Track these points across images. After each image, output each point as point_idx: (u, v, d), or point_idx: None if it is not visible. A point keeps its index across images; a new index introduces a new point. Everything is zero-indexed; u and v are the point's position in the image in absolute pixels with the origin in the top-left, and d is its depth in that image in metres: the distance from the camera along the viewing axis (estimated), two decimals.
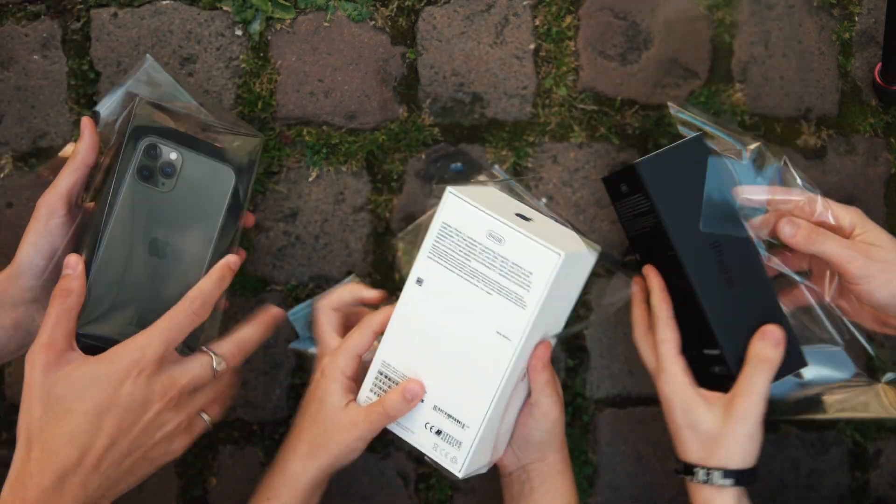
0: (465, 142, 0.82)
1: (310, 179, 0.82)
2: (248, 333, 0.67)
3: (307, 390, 0.70)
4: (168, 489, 0.82)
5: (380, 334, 0.68)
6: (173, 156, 0.66)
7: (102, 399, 0.58)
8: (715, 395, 0.69)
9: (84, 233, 0.67)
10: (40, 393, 0.58)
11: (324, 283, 0.82)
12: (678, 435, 0.69)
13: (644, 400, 0.84)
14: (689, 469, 0.68)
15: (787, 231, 0.68)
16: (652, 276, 0.72)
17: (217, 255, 0.67)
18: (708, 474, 0.67)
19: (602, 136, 0.83)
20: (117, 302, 0.64)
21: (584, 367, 0.84)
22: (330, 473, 0.68)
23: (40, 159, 0.80)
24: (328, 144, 0.81)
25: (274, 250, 0.82)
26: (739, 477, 0.66)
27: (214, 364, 0.63)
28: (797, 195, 0.69)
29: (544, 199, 0.83)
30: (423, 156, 0.82)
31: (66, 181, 0.66)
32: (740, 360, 0.69)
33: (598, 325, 0.84)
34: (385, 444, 0.83)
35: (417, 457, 0.83)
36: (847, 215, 0.68)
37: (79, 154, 0.66)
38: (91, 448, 0.57)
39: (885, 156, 0.85)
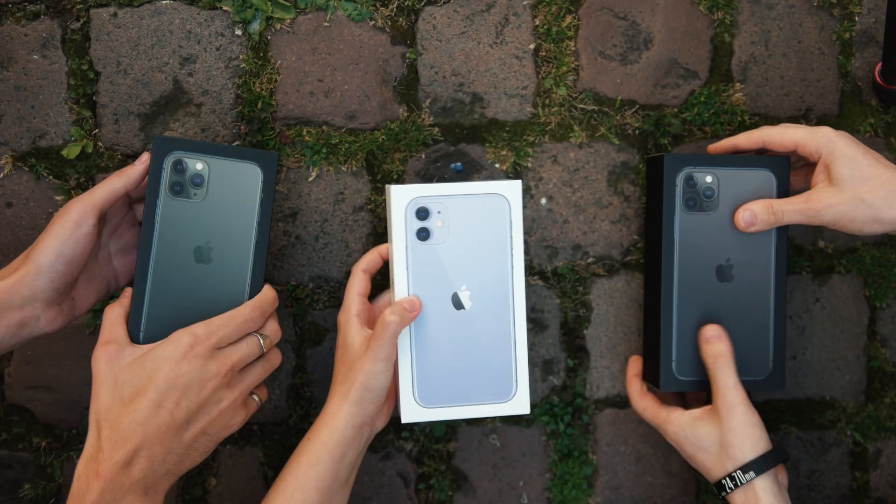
0: (465, 142, 0.82)
1: (310, 179, 0.81)
2: (276, 317, 0.72)
3: (336, 353, 0.74)
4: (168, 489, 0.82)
5: (367, 272, 0.74)
6: (199, 166, 0.70)
7: (163, 379, 0.63)
8: (704, 410, 0.72)
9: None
10: (106, 380, 0.64)
11: (323, 283, 0.82)
12: (697, 462, 0.72)
13: None
14: (720, 487, 0.70)
15: (745, 219, 0.73)
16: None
17: (259, 250, 0.71)
18: (733, 479, 0.69)
19: (602, 136, 0.83)
20: (175, 313, 0.69)
21: (584, 367, 0.84)
22: (366, 414, 0.70)
23: (40, 159, 0.80)
24: (328, 144, 0.81)
25: (274, 250, 0.82)
26: (758, 465, 0.69)
27: (261, 342, 0.69)
28: (755, 138, 0.74)
29: (544, 199, 0.83)
30: (423, 156, 0.82)
31: (102, 195, 0.68)
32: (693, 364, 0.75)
33: (598, 325, 0.84)
34: (385, 444, 0.83)
35: (417, 457, 0.84)
36: (813, 141, 0.71)
37: (125, 176, 0.69)
38: (154, 425, 0.63)
39: (886, 156, 0.85)
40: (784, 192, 0.74)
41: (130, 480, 0.62)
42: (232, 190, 0.71)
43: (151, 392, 0.63)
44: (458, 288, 0.72)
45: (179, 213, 0.69)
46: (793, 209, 0.71)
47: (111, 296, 0.77)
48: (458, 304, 0.72)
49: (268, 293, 0.70)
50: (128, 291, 0.69)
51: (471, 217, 0.72)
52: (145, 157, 0.70)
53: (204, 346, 0.64)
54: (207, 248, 0.70)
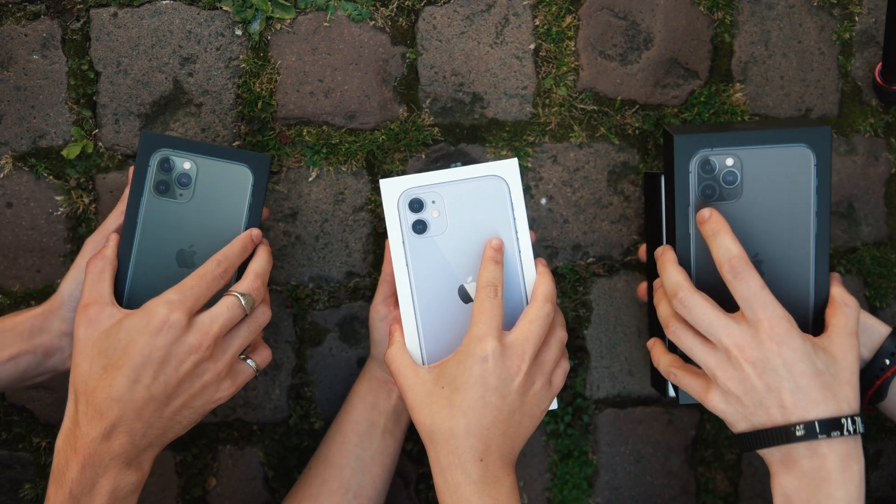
0: (465, 142, 0.82)
1: (310, 179, 0.82)
2: (258, 263, 0.67)
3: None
4: (168, 489, 0.82)
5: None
6: (187, 165, 0.67)
7: (138, 353, 0.59)
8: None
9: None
10: (84, 348, 0.61)
11: (323, 283, 0.82)
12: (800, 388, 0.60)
13: (644, 400, 0.84)
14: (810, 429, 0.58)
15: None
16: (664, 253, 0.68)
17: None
18: (839, 426, 0.58)
19: (602, 136, 0.83)
20: None
21: (584, 367, 0.84)
22: (381, 370, 0.75)
23: (40, 159, 0.80)
24: (328, 144, 0.81)
25: (274, 250, 0.81)
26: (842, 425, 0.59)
27: (243, 302, 0.64)
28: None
29: (544, 200, 0.83)
30: (423, 156, 0.82)
31: (112, 223, 0.69)
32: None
33: (598, 325, 0.84)
34: None
35: (417, 457, 0.84)
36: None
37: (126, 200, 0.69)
38: (131, 401, 0.59)
39: (885, 156, 0.85)
40: (825, 171, 0.63)
41: (111, 454, 0.59)
42: (220, 192, 0.67)
43: (126, 367, 0.59)
44: (463, 280, 0.68)
45: (163, 213, 0.66)
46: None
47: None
48: (465, 298, 0.68)
49: (235, 243, 0.66)
50: (112, 238, 0.66)
51: (468, 203, 0.67)
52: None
53: (179, 313, 0.60)
54: (191, 251, 0.67)
